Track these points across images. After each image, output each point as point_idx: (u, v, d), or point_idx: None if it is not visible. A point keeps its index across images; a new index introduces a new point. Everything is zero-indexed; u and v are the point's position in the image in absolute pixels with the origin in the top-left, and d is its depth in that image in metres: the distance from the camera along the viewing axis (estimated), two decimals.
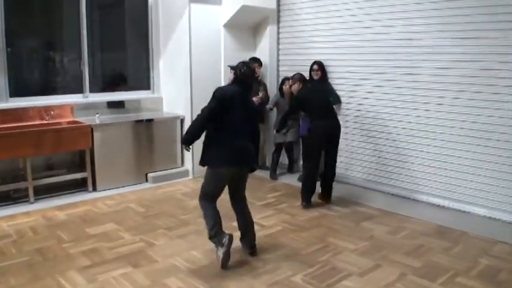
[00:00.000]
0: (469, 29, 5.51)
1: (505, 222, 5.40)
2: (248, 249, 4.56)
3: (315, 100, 6.06)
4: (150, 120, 7.00)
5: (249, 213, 4.59)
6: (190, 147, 4.44)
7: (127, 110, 7.32)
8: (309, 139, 6.04)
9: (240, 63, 4.48)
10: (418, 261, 4.44)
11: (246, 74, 4.39)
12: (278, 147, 7.33)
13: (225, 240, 4.21)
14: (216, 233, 4.25)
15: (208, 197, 4.37)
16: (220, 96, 4.24)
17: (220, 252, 4.19)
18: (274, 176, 7.34)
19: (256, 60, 7.25)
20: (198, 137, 4.35)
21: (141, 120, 6.94)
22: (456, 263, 4.39)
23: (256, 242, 4.60)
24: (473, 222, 5.45)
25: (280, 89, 7.26)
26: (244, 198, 4.59)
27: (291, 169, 7.59)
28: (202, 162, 4.36)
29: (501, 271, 4.25)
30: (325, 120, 5.94)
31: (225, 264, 4.23)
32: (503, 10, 5.21)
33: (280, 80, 7.48)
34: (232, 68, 4.46)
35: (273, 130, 7.35)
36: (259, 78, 7.33)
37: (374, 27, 6.44)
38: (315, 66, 6.82)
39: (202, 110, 4.28)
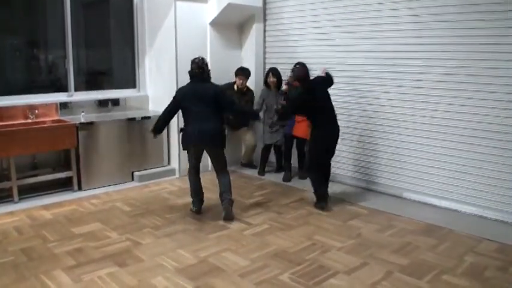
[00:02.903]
0: (467, 28, 5.50)
1: (491, 220, 5.44)
2: (224, 205, 5.44)
3: (320, 99, 5.76)
4: (133, 119, 6.97)
5: (226, 177, 5.52)
6: (157, 136, 5.70)
7: (121, 107, 7.35)
8: (314, 148, 5.85)
9: (191, 63, 5.50)
10: (405, 259, 4.45)
11: (192, 69, 5.44)
12: (267, 146, 7.31)
13: (194, 208, 5.66)
14: (192, 196, 5.67)
15: (189, 168, 5.60)
16: (175, 95, 5.49)
17: (193, 209, 5.67)
18: (262, 173, 7.35)
19: (243, 71, 7.17)
20: (161, 127, 5.60)
21: (128, 119, 6.90)
22: (443, 261, 4.41)
23: (232, 198, 5.52)
24: (460, 220, 5.48)
25: (265, 81, 7.19)
26: (222, 169, 5.54)
27: (279, 169, 7.54)
28: (182, 147, 5.63)
29: (487, 268, 4.28)
30: (331, 125, 5.82)
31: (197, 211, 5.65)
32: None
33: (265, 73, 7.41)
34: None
35: (262, 128, 7.35)
36: (244, 89, 7.25)
37: (364, 25, 6.44)
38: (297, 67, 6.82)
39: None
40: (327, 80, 5.92)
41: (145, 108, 7.66)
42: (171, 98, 5.49)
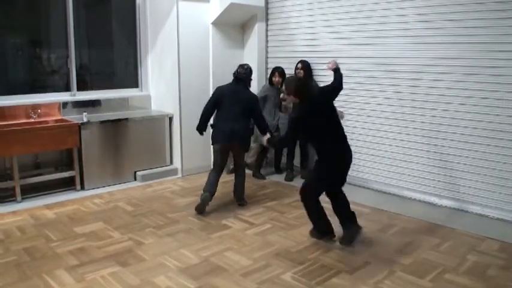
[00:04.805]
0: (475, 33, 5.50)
1: (494, 219, 5.44)
2: (237, 201, 5.96)
3: (325, 114, 4.63)
4: (137, 119, 6.98)
5: (241, 176, 5.94)
6: (204, 133, 5.84)
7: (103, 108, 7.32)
8: (323, 179, 4.72)
9: (238, 66, 5.78)
10: (407, 258, 4.46)
11: (238, 74, 5.70)
12: (265, 148, 7.29)
13: (203, 195, 5.60)
14: (205, 187, 5.67)
15: (214, 165, 5.83)
16: (214, 93, 5.77)
17: (199, 198, 5.65)
18: (258, 175, 7.29)
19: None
20: (202, 125, 5.77)
21: (128, 118, 6.90)
22: (445, 260, 4.41)
23: (245, 196, 6.02)
24: (463, 219, 5.48)
25: (270, 79, 7.14)
26: (240, 166, 5.91)
27: (277, 168, 7.57)
28: (212, 143, 5.81)
29: (489, 267, 4.28)
30: (342, 145, 4.71)
31: (197, 208, 5.61)
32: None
33: (268, 74, 7.35)
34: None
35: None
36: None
37: (364, 25, 6.44)
38: (299, 65, 6.87)
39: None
40: (332, 90, 4.92)
41: (148, 107, 7.67)
42: (210, 96, 5.77)
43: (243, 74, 5.67)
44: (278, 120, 7.03)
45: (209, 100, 5.76)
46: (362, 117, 6.58)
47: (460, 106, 5.61)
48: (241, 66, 5.75)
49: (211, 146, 5.92)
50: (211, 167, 5.92)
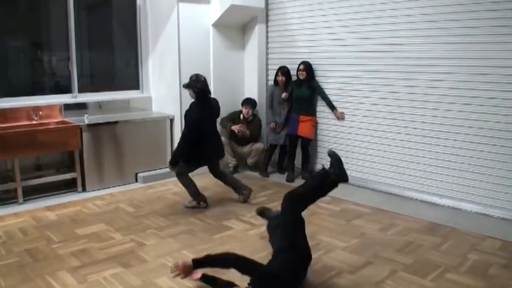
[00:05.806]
0: (469, 33, 5.52)
1: (495, 218, 5.44)
2: (242, 198, 5.98)
3: None
4: (138, 120, 7.01)
5: (227, 175, 6.13)
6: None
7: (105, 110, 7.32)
8: None
9: (192, 81, 5.48)
10: (408, 257, 4.46)
11: (202, 88, 5.50)
12: (272, 147, 7.36)
13: (204, 204, 5.78)
14: (195, 194, 5.75)
15: (185, 172, 5.71)
16: (194, 123, 5.42)
17: (202, 206, 5.78)
18: (265, 173, 7.36)
19: (249, 102, 7.34)
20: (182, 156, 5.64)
21: (129, 120, 6.92)
22: (446, 259, 4.42)
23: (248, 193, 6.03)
24: (463, 218, 5.48)
25: (275, 79, 7.26)
26: (221, 171, 6.04)
27: (280, 168, 7.59)
28: (184, 160, 5.63)
29: (491, 266, 4.28)
30: None
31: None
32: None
33: (273, 74, 7.43)
34: (187, 87, 5.51)
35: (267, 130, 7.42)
36: (250, 119, 7.34)
37: (363, 26, 6.46)
38: (301, 66, 6.91)
39: (184, 136, 5.52)
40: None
41: (149, 109, 7.69)
42: (188, 124, 5.46)
43: (206, 87, 5.56)
44: (284, 118, 7.25)
45: (195, 128, 5.45)
46: (367, 118, 6.58)
47: (465, 106, 5.59)
48: (199, 80, 5.48)
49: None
50: (184, 173, 5.76)
